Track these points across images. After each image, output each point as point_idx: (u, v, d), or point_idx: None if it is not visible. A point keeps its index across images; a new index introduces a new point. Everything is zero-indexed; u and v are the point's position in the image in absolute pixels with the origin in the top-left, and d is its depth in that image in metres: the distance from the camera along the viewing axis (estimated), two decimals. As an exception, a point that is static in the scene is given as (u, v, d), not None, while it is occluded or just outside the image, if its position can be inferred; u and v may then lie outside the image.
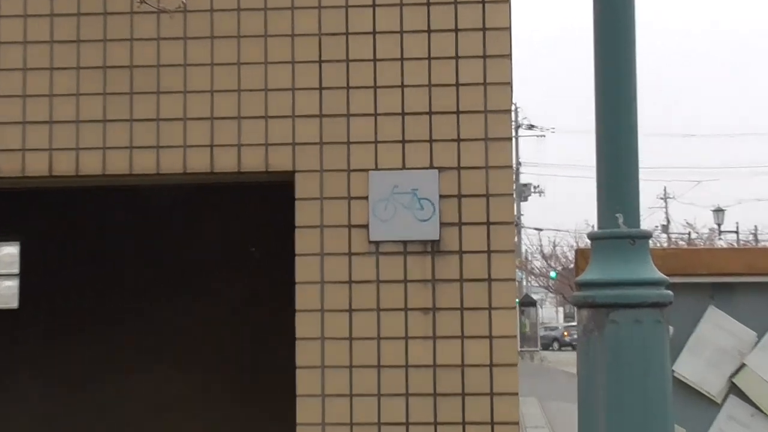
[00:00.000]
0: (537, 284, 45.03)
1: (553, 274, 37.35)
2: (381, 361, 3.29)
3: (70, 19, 3.51)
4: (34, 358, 6.05)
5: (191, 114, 3.46)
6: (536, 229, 42.06)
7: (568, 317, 50.65)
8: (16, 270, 6.13)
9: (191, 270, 5.91)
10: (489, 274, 3.35)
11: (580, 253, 4.38)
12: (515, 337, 3.49)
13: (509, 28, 3.50)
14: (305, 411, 3.29)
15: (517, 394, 3.37)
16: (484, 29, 3.44)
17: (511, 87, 3.59)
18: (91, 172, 3.49)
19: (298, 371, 3.32)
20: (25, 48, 3.51)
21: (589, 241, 2.36)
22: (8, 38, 3.51)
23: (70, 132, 3.46)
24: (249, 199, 5.08)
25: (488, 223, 3.37)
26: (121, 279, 6.06)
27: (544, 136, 44.11)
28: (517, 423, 3.33)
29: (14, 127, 3.47)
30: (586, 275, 2.27)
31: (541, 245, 40.87)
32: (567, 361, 27.62)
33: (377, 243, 3.36)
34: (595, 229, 2.27)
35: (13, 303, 6.07)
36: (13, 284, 6.12)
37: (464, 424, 3.26)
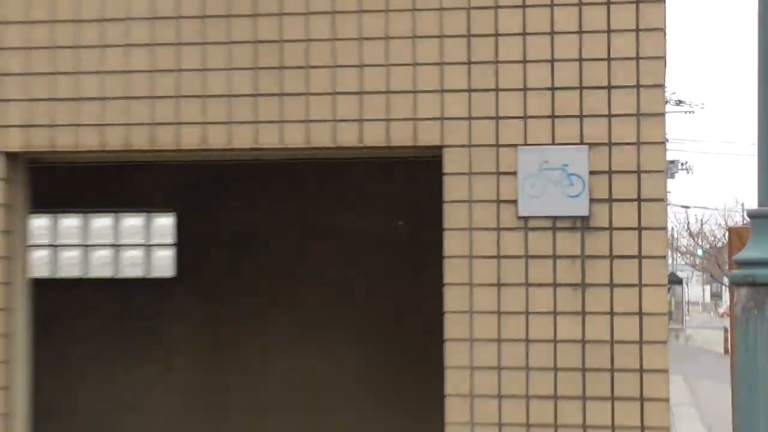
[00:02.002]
0: (683, 262, 45.01)
1: (700, 252, 37.40)
2: (529, 336, 3.41)
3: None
4: (189, 322, 6.66)
5: (340, 89, 3.67)
6: (683, 206, 41.25)
7: (714, 296, 49.65)
8: (170, 240, 6.71)
9: (340, 241, 6.29)
10: (639, 251, 3.38)
11: (734, 232, 4.29)
12: (665, 314, 3.51)
13: (663, 1, 3.47)
14: (454, 382, 3.46)
15: (667, 371, 3.39)
16: (637, 2, 3.44)
17: (665, 62, 3.56)
18: (243, 146, 3.78)
19: (446, 344, 3.49)
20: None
21: (740, 221, 2.37)
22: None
23: (222, 106, 3.75)
24: (396, 175, 5.34)
25: (639, 200, 3.38)
26: (271, 249, 6.53)
27: (693, 112, 42.30)
28: (667, 400, 3.36)
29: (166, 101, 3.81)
30: (745, 253, 2.29)
31: (688, 223, 40.48)
32: (714, 340, 27.22)
33: (526, 218, 3.45)
34: (752, 207, 2.28)
35: (169, 272, 6.67)
36: (169, 254, 6.71)
37: (613, 400, 3.34)
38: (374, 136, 3.65)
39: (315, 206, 6.42)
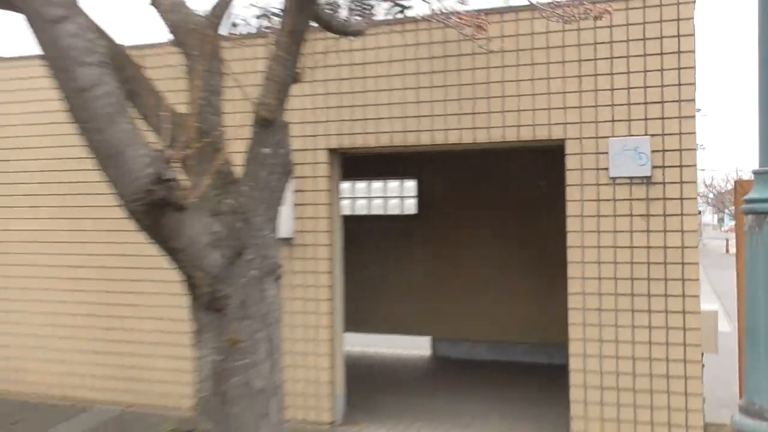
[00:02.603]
0: (701, 200, 63.96)
1: (711, 195, 64.45)
2: (617, 244, 6.07)
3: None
4: (423, 240, 10.30)
5: (507, 108, 6.44)
6: (701, 169, 64.71)
7: (719, 221, 77.68)
8: (414, 193, 10.59)
9: (496, 196, 9.51)
10: (681, 195, 5.87)
11: (739, 183, 6.66)
12: (696, 230, 5.97)
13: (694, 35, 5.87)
14: (573, 282, 6.18)
15: (698, 263, 5.88)
16: (678, 36, 5.89)
17: (695, 84, 5.94)
18: (444, 142, 6.58)
19: (569, 264, 6.20)
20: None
21: (742, 178, 4.60)
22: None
23: (437, 121, 6.66)
24: (534, 155, 8.12)
25: (681, 166, 5.87)
26: (467, 202, 10.00)
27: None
28: (698, 294, 5.89)
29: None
30: (751, 195, 3.59)
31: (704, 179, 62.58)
32: (719, 246, 45.41)
33: (614, 178, 6.05)
34: (756, 167, 3.95)
35: (414, 211, 10.59)
36: (413, 202, 10.60)
37: (666, 281, 5.93)
38: (526, 134, 6.36)
39: (483, 176, 9.72)
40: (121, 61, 3.69)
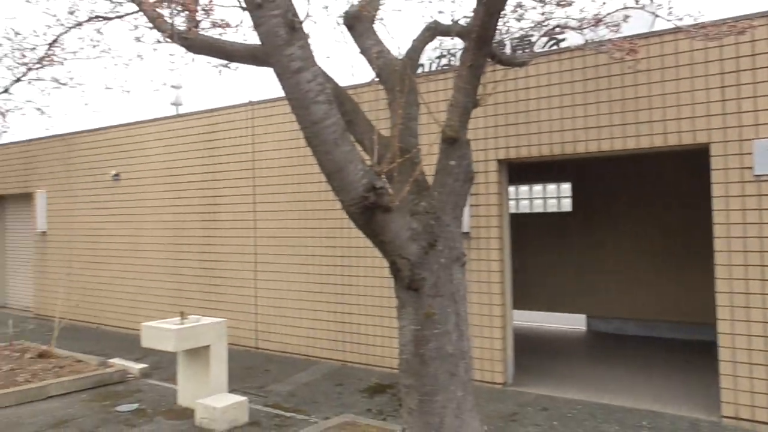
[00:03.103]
0: None
1: None
2: (763, 219, 5.44)
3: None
4: (578, 233, 9.77)
5: (655, 118, 5.99)
6: None
7: None
8: (569, 194, 9.99)
9: (641, 201, 8.72)
10: (829, 191, 5.16)
11: None
12: None
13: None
14: (720, 261, 5.62)
15: None
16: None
17: None
18: (598, 150, 6.28)
19: (715, 241, 5.66)
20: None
21: None
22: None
23: (590, 131, 6.34)
24: (683, 157, 7.41)
25: (827, 164, 5.15)
26: (617, 200, 9.29)
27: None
28: None
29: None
30: None
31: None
32: None
33: (759, 176, 5.42)
34: None
35: (569, 209, 10.03)
36: (568, 201, 10.01)
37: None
38: (672, 140, 5.90)
39: (630, 176, 8.94)
40: (341, 98, 3.88)
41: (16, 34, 11.65)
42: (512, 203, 10.42)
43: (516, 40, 7.31)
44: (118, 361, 7.72)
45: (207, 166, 9.39)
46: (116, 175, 10.70)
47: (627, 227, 9.47)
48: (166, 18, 4.46)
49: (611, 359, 8.07)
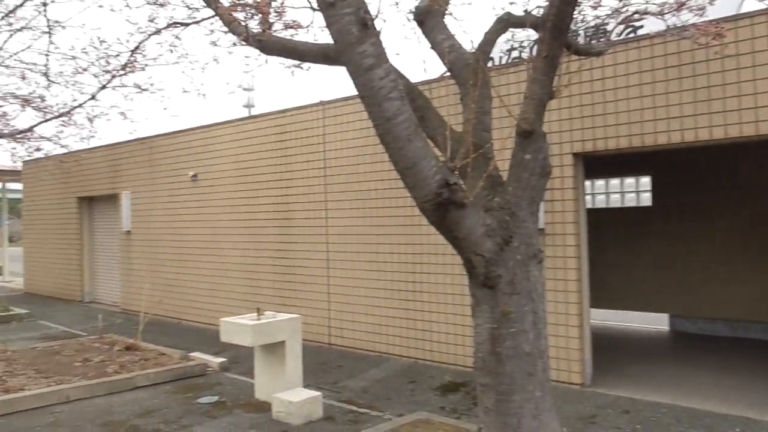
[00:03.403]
0: None
1: None
2: None
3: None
4: (659, 228, 9.37)
5: (745, 105, 5.62)
6: None
7: None
8: (648, 188, 9.61)
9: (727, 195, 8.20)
10: None
11: None
12: None
13: None
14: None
15: None
16: None
17: None
18: (674, 141, 5.95)
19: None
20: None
21: None
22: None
23: (673, 122, 6.01)
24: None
25: None
26: (700, 193, 8.86)
27: None
28: None
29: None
30: None
31: None
32: None
33: None
34: None
35: (648, 203, 9.59)
36: (648, 195, 9.62)
37: None
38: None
39: (715, 169, 8.47)
40: (413, 94, 3.85)
41: (101, 42, 12.30)
42: (588, 198, 10.08)
43: (591, 30, 7.07)
44: (198, 355, 8.01)
45: (279, 165, 9.60)
46: (194, 175, 11.11)
47: (713, 222, 8.96)
48: (241, 21, 4.57)
49: (697, 361, 7.67)
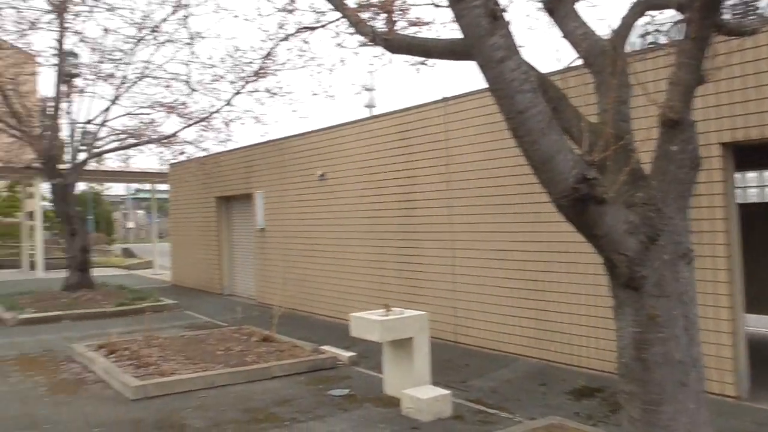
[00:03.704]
0: None
1: None
2: None
3: None
4: None
5: None
6: None
7: None
8: None
9: None
10: None
11: None
12: None
13: None
14: None
15: None
16: None
17: None
18: None
19: None
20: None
21: None
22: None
23: None
24: None
25: None
26: None
27: None
28: None
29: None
30: None
31: None
32: None
33: None
34: None
35: None
36: None
37: None
38: None
39: None
40: (545, 85, 3.69)
41: (236, 50, 13.13)
42: (739, 192, 9.16)
43: (740, 6, 6.44)
44: (329, 349, 8.28)
45: (402, 163, 9.68)
46: (322, 175, 11.50)
47: None
48: (366, 22, 4.63)
49: None
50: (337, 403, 6.23)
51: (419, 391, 5.84)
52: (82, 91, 13.88)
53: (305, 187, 12.07)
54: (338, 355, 8.03)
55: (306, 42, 6.08)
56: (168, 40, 13.13)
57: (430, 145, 9.19)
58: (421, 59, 4.74)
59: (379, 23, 4.74)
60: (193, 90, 13.20)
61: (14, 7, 11.62)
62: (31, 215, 23.41)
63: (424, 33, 5.31)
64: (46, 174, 13.96)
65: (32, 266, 22.13)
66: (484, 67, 3.07)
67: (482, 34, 2.98)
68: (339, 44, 5.34)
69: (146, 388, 6.54)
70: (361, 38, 4.76)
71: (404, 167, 9.66)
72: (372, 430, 5.42)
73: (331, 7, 4.89)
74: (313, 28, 5.70)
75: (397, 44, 4.20)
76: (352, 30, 4.79)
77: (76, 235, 14.32)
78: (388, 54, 4.73)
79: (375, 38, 4.14)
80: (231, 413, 5.93)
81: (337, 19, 5.51)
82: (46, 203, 24.36)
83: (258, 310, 12.56)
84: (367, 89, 43.86)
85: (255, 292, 13.93)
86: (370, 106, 45.54)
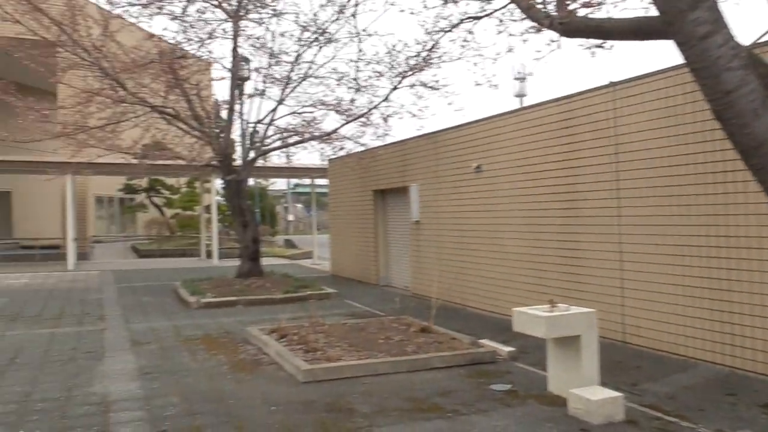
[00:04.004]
0: None
1: None
2: None
3: None
4: None
5: None
6: None
7: None
8: None
9: None
10: None
11: None
12: None
13: None
14: None
15: None
16: None
17: None
18: None
19: None
20: None
21: None
22: None
23: None
24: None
25: None
26: None
27: None
28: None
29: None
30: None
31: None
32: None
33: None
34: None
35: None
36: None
37: None
38: None
39: None
40: (756, 61, 3.29)
41: (394, 47, 13.40)
42: None
43: None
44: (487, 342, 8.20)
45: (564, 153, 9.27)
46: (478, 167, 11.39)
47: None
48: (538, 6, 4.46)
49: None
50: (499, 398, 6.13)
51: (588, 392, 5.57)
52: (253, 95, 14.98)
53: (460, 180, 12.03)
54: (497, 349, 7.91)
55: (470, 32, 6.01)
56: (330, 40, 13.72)
57: (596, 133, 8.70)
58: (598, 42, 4.47)
59: (549, 7, 4.55)
60: (358, 89, 13.66)
61: (202, 20, 12.79)
62: (207, 209, 25.85)
63: (595, 14, 5.00)
64: (223, 171, 15.27)
65: (209, 255, 24.42)
66: (683, 45, 2.81)
67: (683, 9, 2.72)
68: (508, 33, 5.21)
69: (315, 372, 6.91)
70: (530, 24, 4.60)
71: (567, 157, 9.25)
72: (538, 428, 5.26)
73: (499, -6, 4.78)
74: (478, 18, 5.62)
75: (575, 27, 4.00)
76: (520, 16, 4.65)
77: (248, 226, 15.52)
78: (558, 39, 4.52)
79: (552, 22, 3.96)
80: (395, 401, 6.07)
81: (504, 6, 5.38)
82: (218, 198, 26.78)
83: (413, 300, 12.78)
84: (517, 78, 42.69)
85: (410, 283, 14.18)
86: (520, 95, 44.26)
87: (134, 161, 15.47)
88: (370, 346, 8.02)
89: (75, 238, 21.57)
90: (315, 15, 13.61)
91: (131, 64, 12.86)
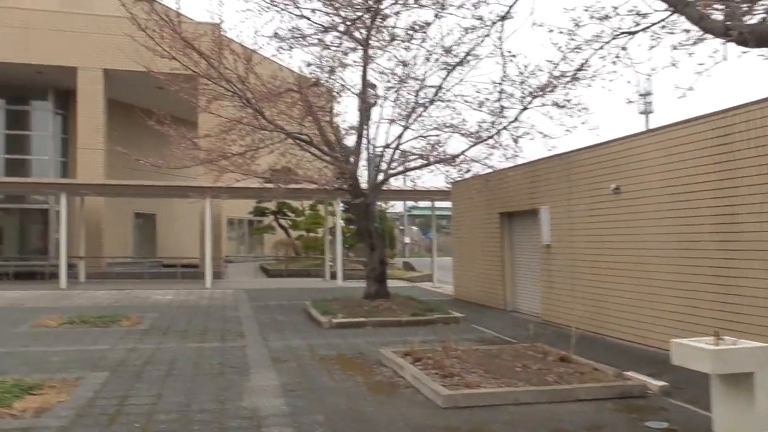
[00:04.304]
0: None
1: None
2: None
3: None
4: None
5: None
6: None
7: None
8: None
9: None
10: None
11: None
12: None
13: None
14: None
15: None
16: None
17: None
18: None
19: None
20: None
21: None
22: None
23: None
24: None
25: None
26: None
27: None
28: None
29: None
30: None
31: None
32: None
33: None
34: None
35: None
36: None
37: None
38: None
39: None
40: None
41: (525, 67, 13.20)
42: None
43: None
44: (634, 375, 7.69)
45: (720, 172, 8.59)
46: (617, 188, 10.85)
47: None
48: (710, 15, 4.18)
49: None
50: (659, 437, 5.70)
51: (768, 437, 5.02)
52: (382, 120, 15.33)
53: (596, 201, 11.52)
54: (647, 382, 7.40)
55: (624, 48, 5.76)
56: (462, 62, 13.74)
57: (759, 150, 7.99)
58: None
59: (722, 17, 4.24)
60: (499, 112, 13.51)
61: (335, 49, 13.36)
62: (331, 230, 26.70)
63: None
64: (352, 194, 15.70)
65: (332, 276, 25.14)
66: None
67: None
68: (669, 45, 4.93)
69: (455, 397, 6.81)
70: (686, 36, 4.32)
71: (722, 176, 8.57)
72: (710, 474, 4.81)
73: (662, 7, 4.55)
74: (633, 33, 5.38)
75: (761, 36, 3.69)
76: (680, 28, 4.38)
77: (375, 249, 15.81)
78: (723, 50, 4.20)
79: (738, 33, 3.68)
80: (542, 432, 5.82)
81: (664, 19, 5.11)
82: (341, 220, 27.58)
83: (545, 328, 12.33)
84: (642, 95, 40.54)
85: (540, 310, 13.71)
86: (646, 112, 41.95)
87: (269, 185, 16.31)
88: (508, 374, 7.79)
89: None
90: (460, 39, 13.66)
91: (268, 94, 13.64)
